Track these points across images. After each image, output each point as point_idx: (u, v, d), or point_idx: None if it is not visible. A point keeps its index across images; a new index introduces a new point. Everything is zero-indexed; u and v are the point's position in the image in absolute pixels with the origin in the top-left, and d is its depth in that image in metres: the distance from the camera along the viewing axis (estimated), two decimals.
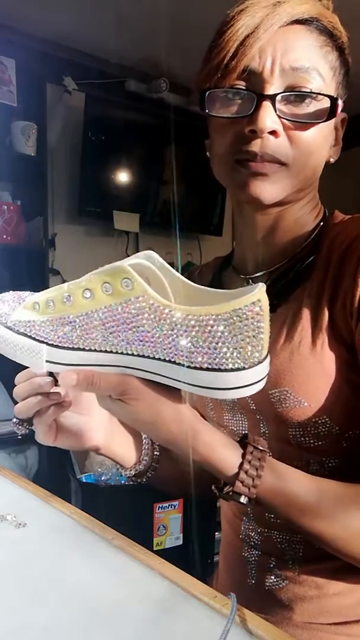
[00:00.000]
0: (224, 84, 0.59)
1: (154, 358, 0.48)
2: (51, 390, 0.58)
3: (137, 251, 2.87)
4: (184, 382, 0.48)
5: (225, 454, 0.53)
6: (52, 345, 0.51)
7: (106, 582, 0.56)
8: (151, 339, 0.47)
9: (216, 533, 1.78)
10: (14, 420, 0.61)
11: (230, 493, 0.52)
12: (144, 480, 0.73)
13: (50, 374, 0.59)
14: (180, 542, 1.70)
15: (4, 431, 1.86)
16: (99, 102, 2.69)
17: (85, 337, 0.50)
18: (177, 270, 0.51)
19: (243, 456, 0.53)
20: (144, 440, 0.74)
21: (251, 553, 0.69)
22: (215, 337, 0.46)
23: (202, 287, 0.51)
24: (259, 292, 0.45)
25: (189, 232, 3.16)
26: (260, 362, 0.47)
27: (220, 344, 0.46)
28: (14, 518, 0.70)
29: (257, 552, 0.69)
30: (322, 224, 0.67)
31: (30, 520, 0.69)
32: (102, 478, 1.71)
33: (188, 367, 0.47)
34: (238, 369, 0.46)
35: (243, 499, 0.52)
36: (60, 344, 0.51)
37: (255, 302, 0.45)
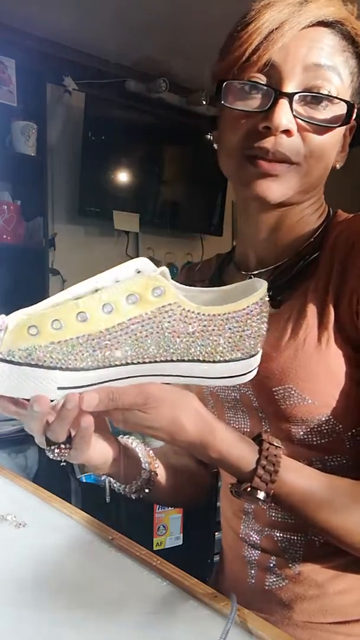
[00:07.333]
0: (243, 76, 0.58)
1: (183, 360, 0.49)
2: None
3: (137, 251, 2.86)
4: (214, 377, 0.51)
5: (242, 450, 0.54)
6: (67, 369, 0.47)
7: (106, 582, 0.56)
8: (182, 341, 0.49)
9: (216, 533, 1.78)
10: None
11: (249, 489, 0.53)
12: (141, 495, 0.69)
13: None
14: (180, 542, 1.70)
15: (4, 431, 1.86)
16: (99, 102, 2.70)
17: (109, 352, 0.47)
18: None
19: (260, 452, 0.54)
20: (142, 457, 0.72)
21: (251, 552, 0.69)
22: (240, 329, 0.50)
23: (200, 288, 0.54)
24: (265, 288, 0.52)
25: (189, 232, 3.16)
26: (261, 347, 0.53)
27: (246, 335, 0.51)
28: (14, 518, 0.70)
29: (257, 552, 0.69)
30: (325, 222, 0.66)
31: (30, 520, 0.69)
32: (102, 478, 1.71)
33: (226, 361, 0.51)
34: (254, 355, 0.52)
35: (261, 495, 0.52)
36: (77, 367, 0.47)
37: (265, 296, 0.52)
